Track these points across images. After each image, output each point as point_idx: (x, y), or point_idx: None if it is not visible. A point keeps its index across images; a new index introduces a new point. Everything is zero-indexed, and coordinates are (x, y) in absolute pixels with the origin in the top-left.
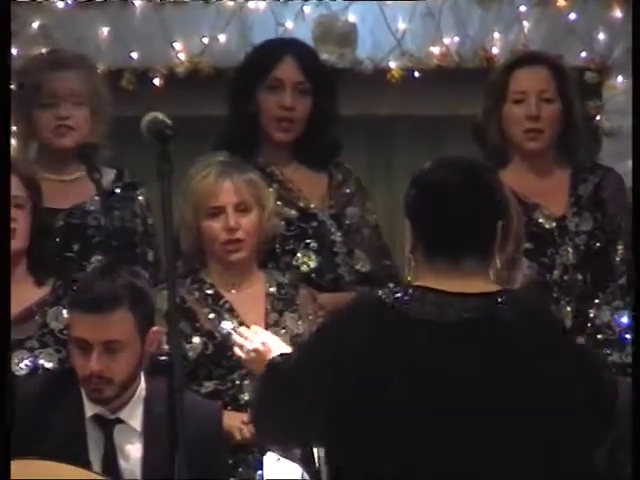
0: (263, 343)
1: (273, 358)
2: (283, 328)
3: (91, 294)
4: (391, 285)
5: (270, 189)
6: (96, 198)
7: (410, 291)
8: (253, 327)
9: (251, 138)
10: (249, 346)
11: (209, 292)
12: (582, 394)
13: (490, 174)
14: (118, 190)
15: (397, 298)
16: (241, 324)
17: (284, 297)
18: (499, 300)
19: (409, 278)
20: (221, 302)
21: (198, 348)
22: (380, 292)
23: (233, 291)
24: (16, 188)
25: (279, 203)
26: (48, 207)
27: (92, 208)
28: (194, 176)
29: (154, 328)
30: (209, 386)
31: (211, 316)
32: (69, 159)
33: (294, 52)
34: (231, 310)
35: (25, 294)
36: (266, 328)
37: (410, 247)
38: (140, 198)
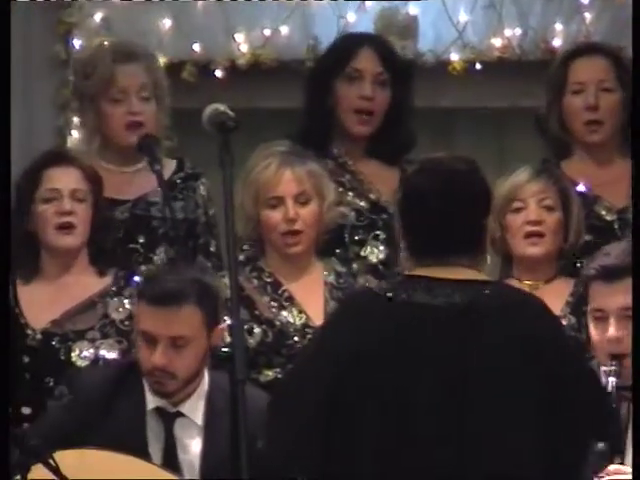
0: None
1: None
2: None
3: (159, 288)
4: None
5: (338, 179)
6: (159, 189)
7: (400, 279)
8: None
9: (327, 130)
10: None
11: (268, 280)
12: (570, 386)
13: (471, 172)
14: (179, 181)
15: (388, 287)
16: (300, 312)
17: (342, 286)
18: (486, 288)
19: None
20: (280, 291)
21: (258, 336)
22: (371, 286)
23: (291, 279)
24: (77, 181)
25: (350, 194)
26: (112, 198)
27: (156, 199)
28: (255, 166)
29: (221, 325)
30: (269, 374)
31: (271, 304)
32: (131, 151)
33: (373, 43)
34: (290, 299)
35: (87, 285)
36: (325, 316)
37: (403, 244)
38: (201, 189)
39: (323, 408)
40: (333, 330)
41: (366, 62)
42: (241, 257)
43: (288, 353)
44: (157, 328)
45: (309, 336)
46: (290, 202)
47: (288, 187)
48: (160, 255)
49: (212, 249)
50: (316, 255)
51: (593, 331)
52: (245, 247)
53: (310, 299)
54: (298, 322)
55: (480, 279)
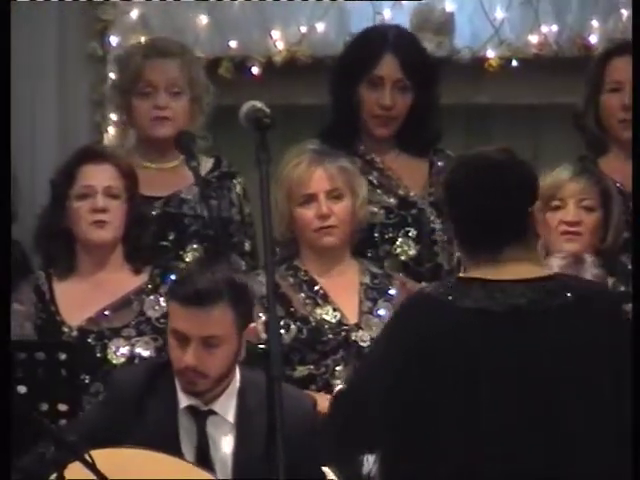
0: None
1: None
2: (377, 317)
3: (192, 287)
4: (438, 282)
5: (366, 177)
6: (193, 187)
7: (456, 283)
8: None
9: (352, 128)
10: None
11: (304, 278)
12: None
13: (514, 160)
14: (215, 179)
15: (444, 292)
16: (335, 310)
17: (377, 286)
18: (548, 285)
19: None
20: (315, 288)
21: (292, 333)
22: (428, 289)
23: (326, 278)
24: (111, 178)
25: (379, 191)
26: (145, 195)
27: (189, 197)
28: (287, 164)
29: (252, 324)
30: (303, 370)
31: (306, 302)
32: (167, 148)
33: (395, 48)
34: (325, 296)
35: (122, 283)
36: (360, 316)
37: (457, 242)
38: (237, 188)
39: (386, 405)
40: (394, 333)
41: (387, 69)
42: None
43: (322, 349)
44: (189, 328)
45: (343, 333)
46: (322, 198)
47: (320, 184)
48: (190, 253)
49: (246, 248)
50: (351, 255)
51: None
52: (278, 249)
53: (345, 298)
54: (333, 319)
55: (537, 276)
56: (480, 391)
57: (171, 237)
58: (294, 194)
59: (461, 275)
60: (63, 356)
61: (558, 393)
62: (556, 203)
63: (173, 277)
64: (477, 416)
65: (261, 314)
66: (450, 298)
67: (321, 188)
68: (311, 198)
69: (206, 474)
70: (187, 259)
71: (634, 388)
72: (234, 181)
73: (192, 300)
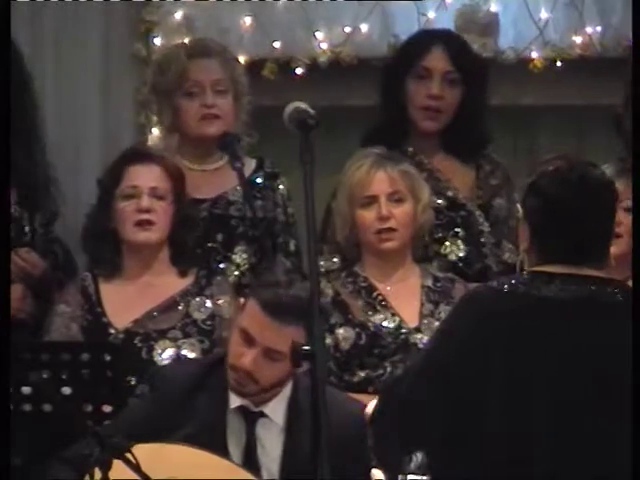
0: None
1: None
2: (437, 320)
3: (277, 299)
4: (505, 276)
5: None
6: (238, 188)
7: (522, 276)
8: None
9: (400, 127)
10: None
11: (363, 285)
12: None
13: (600, 175)
14: (259, 180)
15: (510, 284)
16: (393, 315)
17: (439, 289)
18: (609, 285)
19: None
20: (374, 295)
21: (351, 339)
22: (490, 282)
23: (387, 284)
24: (157, 179)
25: None
26: (191, 197)
27: (235, 198)
28: (349, 168)
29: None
30: (361, 374)
31: (365, 308)
32: (211, 149)
33: (444, 42)
34: (384, 302)
35: (168, 285)
36: (420, 319)
37: (526, 247)
38: (281, 187)
39: (443, 392)
40: (458, 322)
41: (436, 61)
42: (337, 261)
43: (381, 354)
44: (259, 334)
45: (402, 337)
46: (383, 200)
47: (381, 186)
48: (239, 254)
49: (292, 248)
50: (413, 258)
51: None
52: (335, 259)
53: (405, 302)
54: (391, 325)
55: (603, 276)
56: (538, 381)
57: (219, 239)
58: (355, 196)
59: (527, 269)
60: (107, 357)
61: (605, 387)
62: None
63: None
64: (536, 411)
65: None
66: (513, 288)
67: (382, 190)
68: (372, 200)
69: (250, 476)
70: (237, 260)
71: (634, 388)
72: (277, 182)
73: (273, 310)
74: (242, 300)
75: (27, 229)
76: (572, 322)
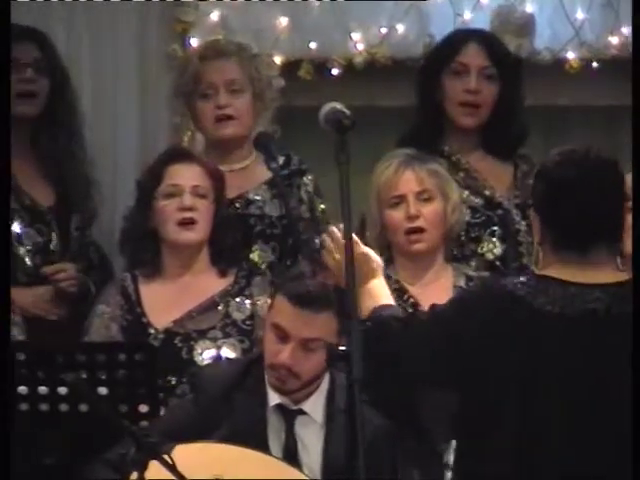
0: (364, 254)
1: (390, 323)
2: None
3: (305, 288)
4: (516, 276)
5: (452, 177)
6: (261, 187)
7: (535, 282)
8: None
9: (437, 126)
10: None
11: (394, 287)
12: None
13: (613, 163)
14: (285, 177)
15: (521, 288)
16: None
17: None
18: (622, 291)
19: (536, 269)
20: (405, 297)
21: None
22: (505, 281)
23: (418, 285)
24: (198, 178)
25: (465, 192)
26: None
27: (256, 197)
28: (378, 168)
29: None
30: None
31: None
32: (234, 148)
33: (479, 38)
34: (415, 305)
35: (208, 285)
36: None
37: (539, 239)
38: (307, 185)
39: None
40: (459, 319)
41: (472, 56)
42: None
43: None
44: (292, 327)
45: None
46: (411, 200)
47: (408, 185)
48: (257, 252)
49: (316, 245)
50: (445, 258)
51: None
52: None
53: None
54: None
55: (614, 281)
56: (544, 392)
57: (238, 237)
58: (384, 196)
59: (540, 273)
60: (144, 357)
61: (623, 401)
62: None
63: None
64: (540, 417)
65: None
66: (526, 295)
67: (409, 189)
68: (400, 200)
69: (295, 471)
70: (254, 259)
71: (634, 388)
72: (304, 178)
73: (302, 301)
74: (269, 299)
75: (58, 233)
76: (574, 336)
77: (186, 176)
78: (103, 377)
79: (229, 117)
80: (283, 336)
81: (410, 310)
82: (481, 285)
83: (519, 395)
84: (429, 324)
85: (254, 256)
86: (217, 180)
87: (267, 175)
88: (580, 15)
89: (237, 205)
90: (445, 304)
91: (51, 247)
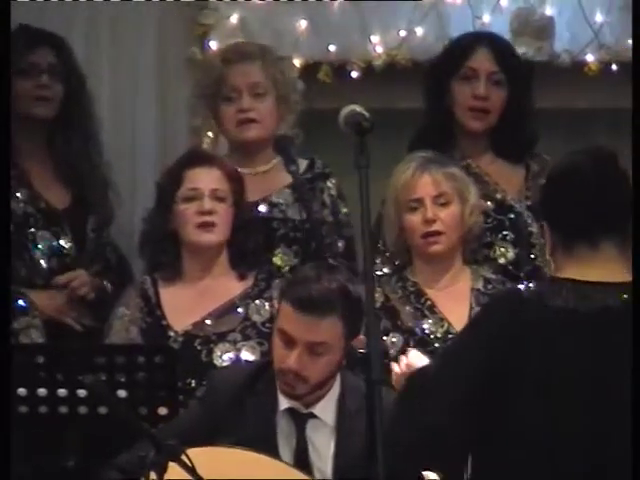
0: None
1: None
2: None
3: (307, 292)
4: (531, 281)
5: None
6: (284, 190)
7: (549, 284)
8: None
9: (446, 130)
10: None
11: (412, 289)
12: None
13: (617, 157)
14: (308, 180)
15: (536, 291)
16: (442, 320)
17: (490, 292)
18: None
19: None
20: (423, 300)
21: (398, 345)
22: (520, 286)
23: (436, 288)
24: (218, 181)
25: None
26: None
27: (279, 200)
28: (396, 171)
29: (360, 336)
30: None
31: (413, 313)
32: (257, 151)
33: (488, 43)
34: (432, 307)
35: (228, 288)
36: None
37: (549, 249)
38: (330, 188)
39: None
40: (480, 328)
41: (481, 61)
42: (386, 269)
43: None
44: (297, 332)
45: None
46: (429, 203)
47: (426, 188)
48: (279, 256)
49: (340, 249)
50: (463, 261)
51: None
52: (385, 269)
53: (454, 307)
54: (439, 330)
55: (627, 280)
56: (561, 391)
57: (260, 240)
58: (401, 200)
59: (553, 275)
60: (163, 360)
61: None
62: None
63: (279, 278)
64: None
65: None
66: (540, 297)
67: (427, 193)
68: (418, 203)
69: (303, 476)
70: (277, 262)
71: (634, 388)
72: (327, 182)
73: (305, 305)
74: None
75: (73, 235)
76: (588, 333)
77: (205, 180)
78: (122, 380)
79: (252, 120)
80: (289, 341)
81: (427, 312)
82: (493, 296)
83: (540, 395)
84: (458, 353)
85: (277, 259)
86: (236, 183)
87: (290, 178)
88: (599, 18)
89: (261, 208)
90: (468, 329)
91: (66, 249)
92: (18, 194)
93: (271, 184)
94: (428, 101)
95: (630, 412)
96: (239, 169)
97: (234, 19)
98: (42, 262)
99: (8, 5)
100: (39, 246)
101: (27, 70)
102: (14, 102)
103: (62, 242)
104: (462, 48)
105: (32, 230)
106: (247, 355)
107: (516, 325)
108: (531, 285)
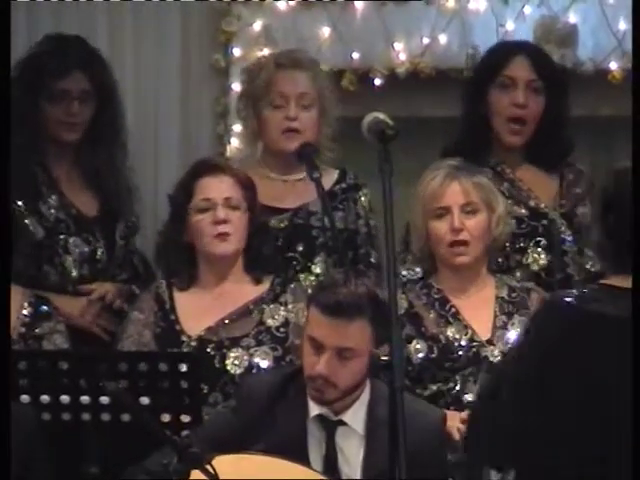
0: None
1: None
2: (510, 331)
3: (335, 298)
4: (576, 288)
5: (497, 188)
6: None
7: (594, 290)
8: None
9: (483, 139)
10: None
11: (436, 297)
12: None
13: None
14: (340, 191)
15: (582, 297)
16: (465, 327)
17: (514, 300)
18: None
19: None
20: (447, 307)
21: (423, 352)
22: (565, 296)
23: (461, 296)
24: (230, 189)
25: (509, 202)
26: (273, 206)
27: (316, 209)
28: (424, 179)
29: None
30: (433, 388)
31: (437, 320)
32: (293, 160)
33: (526, 51)
34: (457, 314)
35: (242, 293)
36: (493, 331)
37: (602, 251)
38: (363, 200)
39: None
40: (533, 344)
41: (519, 70)
42: (413, 274)
43: (452, 367)
44: (326, 337)
45: (474, 350)
46: (456, 212)
47: (454, 197)
48: (319, 264)
49: (373, 260)
50: (487, 269)
51: None
52: (417, 269)
53: (478, 315)
54: (463, 337)
55: None
56: (617, 400)
57: (300, 249)
58: (429, 208)
59: (603, 282)
60: (185, 367)
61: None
62: None
63: (305, 284)
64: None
65: None
66: (590, 305)
67: (455, 201)
68: (445, 211)
69: None
70: (316, 270)
71: (634, 388)
72: (360, 193)
73: (333, 310)
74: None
75: (104, 242)
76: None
77: (217, 189)
78: (145, 386)
79: (296, 130)
80: (318, 347)
81: (451, 319)
82: (541, 306)
83: (594, 405)
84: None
85: (316, 268)
86: (248, 189)
87: (326, 188)
88: (623, 26)
89: (299, 217)
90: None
91: (97, 256)
92: (50, 200)
93: (307, 193)
94: (465, 110)
95: None
96: (274, 175)
97: (257, 26)
98: (73, 269)
99: (8, 5)
100: (71, 253)
101: (58, 97)
102: (42, 123)
103: (93, 249)
104: (500, 57)
105: (63, 236)
106: (260, 360)
107: (570, 336)
108: (577, 293)
